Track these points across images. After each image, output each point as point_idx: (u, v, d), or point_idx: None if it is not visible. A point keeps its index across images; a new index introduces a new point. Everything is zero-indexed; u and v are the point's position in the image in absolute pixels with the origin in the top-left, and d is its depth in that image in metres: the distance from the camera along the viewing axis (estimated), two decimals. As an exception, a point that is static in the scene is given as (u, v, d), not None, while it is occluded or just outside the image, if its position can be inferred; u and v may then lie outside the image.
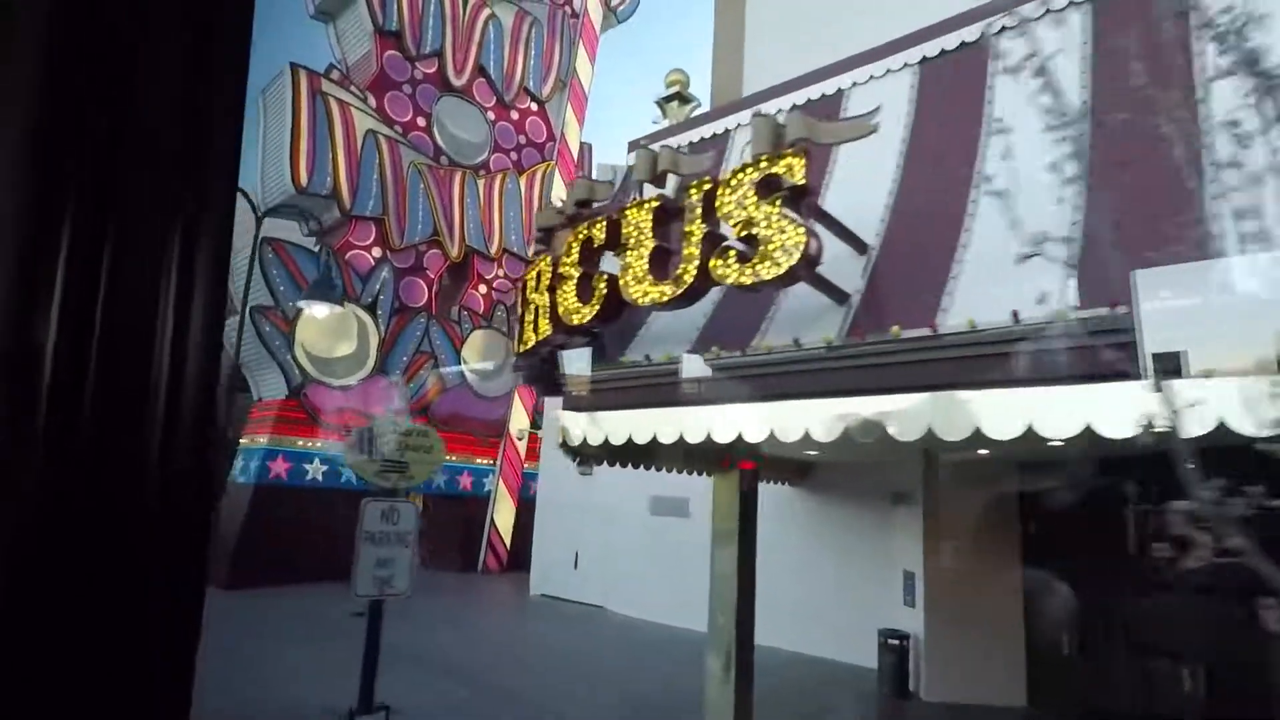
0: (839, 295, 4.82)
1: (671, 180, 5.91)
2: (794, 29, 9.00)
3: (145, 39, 0.81)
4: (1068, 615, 9.94)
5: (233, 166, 0.93)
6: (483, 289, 24.18)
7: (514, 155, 25.68)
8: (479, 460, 23.35)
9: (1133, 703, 8.78)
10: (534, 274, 6.34)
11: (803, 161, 4.18)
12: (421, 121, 23.12)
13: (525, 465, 24.24)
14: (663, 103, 8.63)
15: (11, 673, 0.69)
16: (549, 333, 5.79)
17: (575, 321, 5.34)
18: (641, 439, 5.37)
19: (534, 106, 26.62)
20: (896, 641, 10.70)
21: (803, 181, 4.16)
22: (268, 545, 17.88)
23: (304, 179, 19.82)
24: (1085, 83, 5.19)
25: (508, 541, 23.35)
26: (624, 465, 7.08)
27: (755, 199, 4.33)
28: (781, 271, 4.15)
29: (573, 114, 27.30)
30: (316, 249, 20.06)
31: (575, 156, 27.20)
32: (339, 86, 21.45)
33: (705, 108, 8.78)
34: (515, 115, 25.89)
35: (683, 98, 8.63)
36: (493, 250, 24.38)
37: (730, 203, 4.45)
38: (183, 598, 0.82)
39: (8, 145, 0.73)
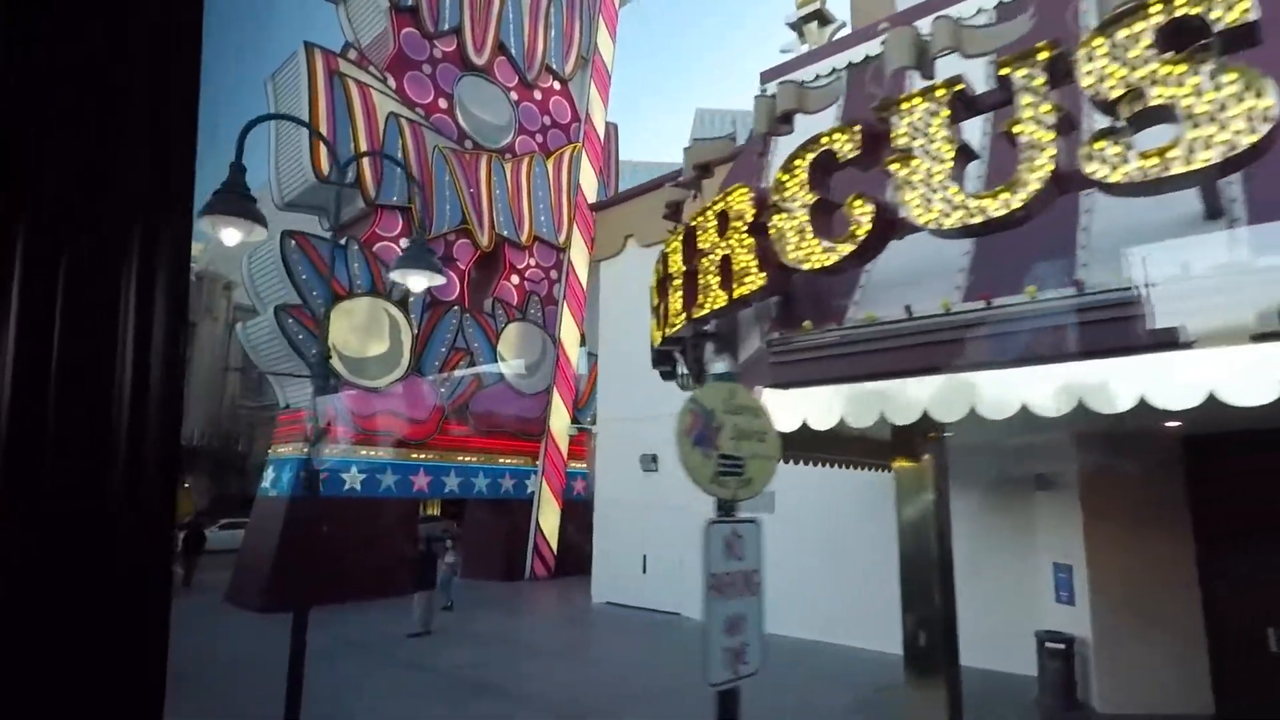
0: (1212, 205, 3.46)
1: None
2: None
3: (93, 35, 0.81)
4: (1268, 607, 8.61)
5: (189, 168, 0.91)
6: (515, 279, 22.76)
7: (539, 137, 24.23)
8: (520, 461, 21.97)
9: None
10: (704, 219, 4.95)
11: (1247, -11, 2.80)
12: (443, 103, 21.66)
13: (568, 464, 22.89)
14: (798, 25, 7.29)
15: None
16: (757, 285, 4.40)
17: (819, 263, 3.96)
18: (903, 418, 4.00)
19: (557, 85, 25.17)
20: (1059, 645, 9.35)
21: (1250, 18, 2.78)
22: (306, 562, 16.46)
23: (325, 167, 18.37)
24: None
25: (554, 545, 22.00)
26: (816, 463, 5.74)
27: (1155, 58, 2.95)
28: (1236, 153, 2.78)
29: (597, 93, 25.88)
30: (342, 242, 18.60)
31: (601, 138, 25.79)
32: (357, 67, 19.99)
33: (848, 29, 7.46)
34: (538, 95, 24.44)
35: (822, 17, 7.29)
36: (523, 238, 22.96)
37: (1106, 69, 3.07)
38: (149, 609, 0.82)
39: None
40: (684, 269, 5.22)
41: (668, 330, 5.60)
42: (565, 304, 23.62)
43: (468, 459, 20.62)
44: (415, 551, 14.57)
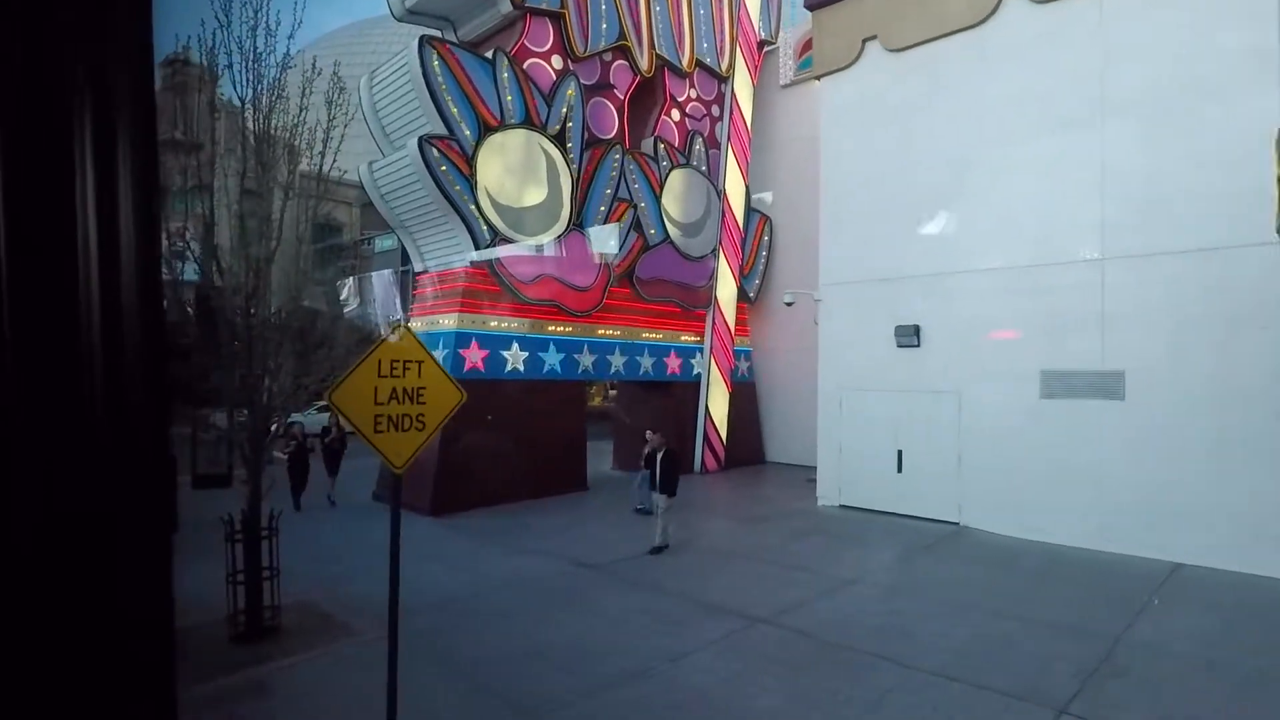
0: None
1: None
2: None
3: None
4: None
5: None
6: (675, 114, 18.48)
7: (695, -67, 19.18)
8: (684, 337, 18.55)
9: None
10: None
11: None
12: (591, -122, 16.70)
13: (735, 341, 19.46)
14: None
15: None
16: None
17: None
18: None
19: None
20: None
21: None
22: (475, 458, 13.55)
23: (463, -47, 13.96)
24: None
25: (723, 434, 18.94)
26: None
27: None
28: None
29: (757, -123, 20.43)
30: (489, 55, 14.44)
31: (764, -62, 20.58)
32: None
33: None
34: (694, -125, 19.16)
35: None
36: (684, 62, 18.50)
37: None
38: (139, 533, 0.77)
39: None
40: None
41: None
42: (730, 147, 19.43)
43: (641, 334, 17.21)
44: (657, 445, 11.42)
